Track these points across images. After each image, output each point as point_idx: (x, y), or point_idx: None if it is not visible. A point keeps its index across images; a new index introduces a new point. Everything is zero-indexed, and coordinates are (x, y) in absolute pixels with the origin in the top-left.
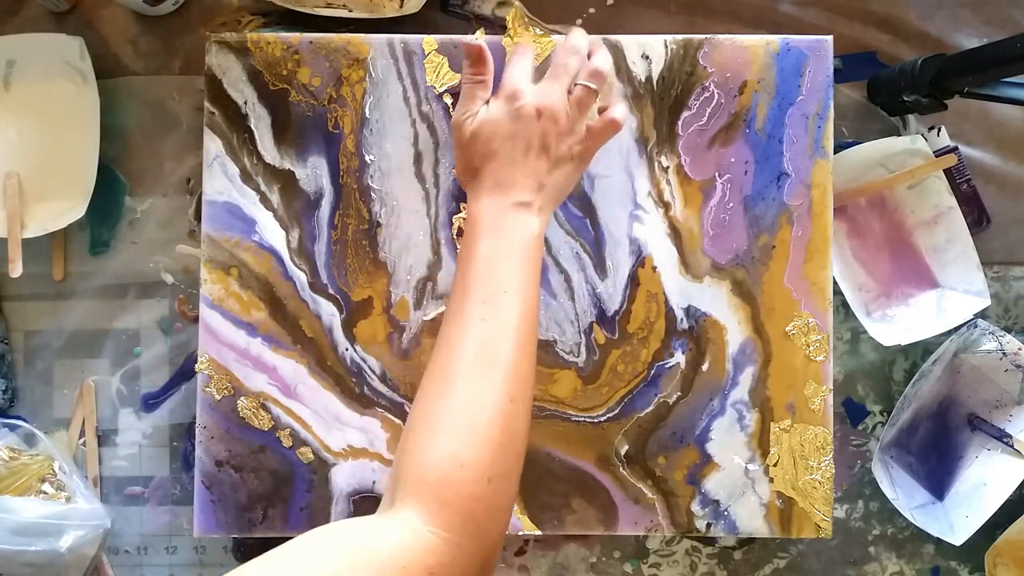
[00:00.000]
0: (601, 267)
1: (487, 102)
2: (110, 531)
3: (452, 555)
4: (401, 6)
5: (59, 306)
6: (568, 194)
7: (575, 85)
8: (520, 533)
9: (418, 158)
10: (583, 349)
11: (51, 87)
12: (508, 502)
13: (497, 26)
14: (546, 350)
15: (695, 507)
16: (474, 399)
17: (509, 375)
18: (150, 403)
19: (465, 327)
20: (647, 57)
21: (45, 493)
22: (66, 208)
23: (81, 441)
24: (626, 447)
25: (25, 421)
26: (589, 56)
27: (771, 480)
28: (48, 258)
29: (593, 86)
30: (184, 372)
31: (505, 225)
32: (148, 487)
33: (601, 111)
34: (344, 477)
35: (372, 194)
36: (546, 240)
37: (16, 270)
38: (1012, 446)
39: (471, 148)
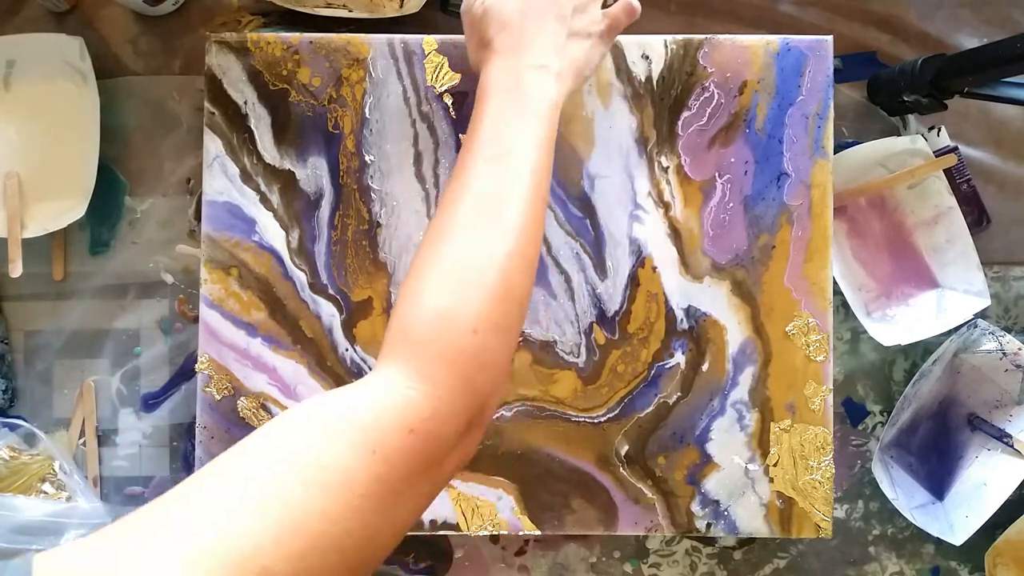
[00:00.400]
0: (601, 267)
1: None
2: None
3: (433, 409)
4: (401, 6)
5: (59, 306)
6: (588, 76)
7: None
8: (520, 533)
9: (418, 158)
10: (583, 350)
11: (51, 87)
12: (500, 356)
13: None
14: (546, 351)
15: (695, 507)
16: (466, 251)
17: (508, 231)
18: (150, 403)
19: (466, 183)
20: (647, 57)
21: (45, 493)
22: (66, 208)
23: (81, 441)
24: (626, 447)
25: (25, 421)
26: None
27: (771, 480)
28: (48, 258)
29: None
30: (184, 372)
31: (519, 85)
32: (148, 487)
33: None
34: None
35: (372, 194)
36: (546, 240)
37: (16, 270)
38: (1012, 446)
39: (481, 25)
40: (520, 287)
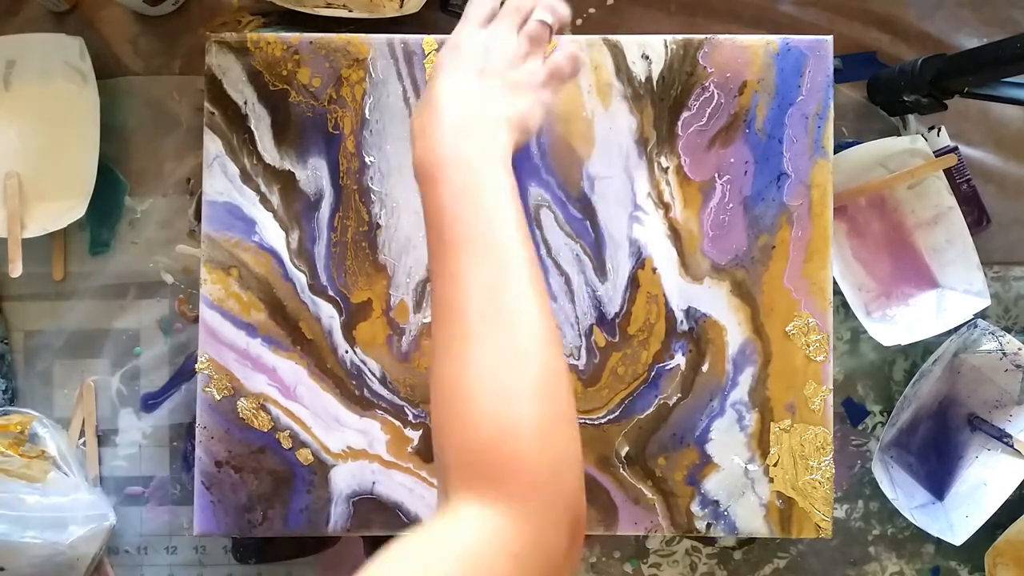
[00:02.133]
0: (601, 269)
1: None
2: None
3: (532, 529)
4: (401, 6)
5: (59, 306)
6: (534, 131)
7: (531, 22)
8: None
9: None
10: (583, 352)
11: (51, 87)
12: (570, 451)
13: None
14: None
15: (695, 507)
16: (492, 354)
17: (527, 312)
18: (150, 403)
19: (458, 283)
20: (647, 57)
21: (49, 489)
22: (66, 208)
23: (81, 441)
24: (626, 448)
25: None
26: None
27: (771, 480)
28: (48, 258)
29: (548, 20)
30: (184, 372)
31: (463, 155)
32: (148, 487)
33: None
34: (343, 478)
35: (372, 195)
36: (546, 242)
37: (16, 270)
38: (1012, 446)
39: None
40: (558, 365)
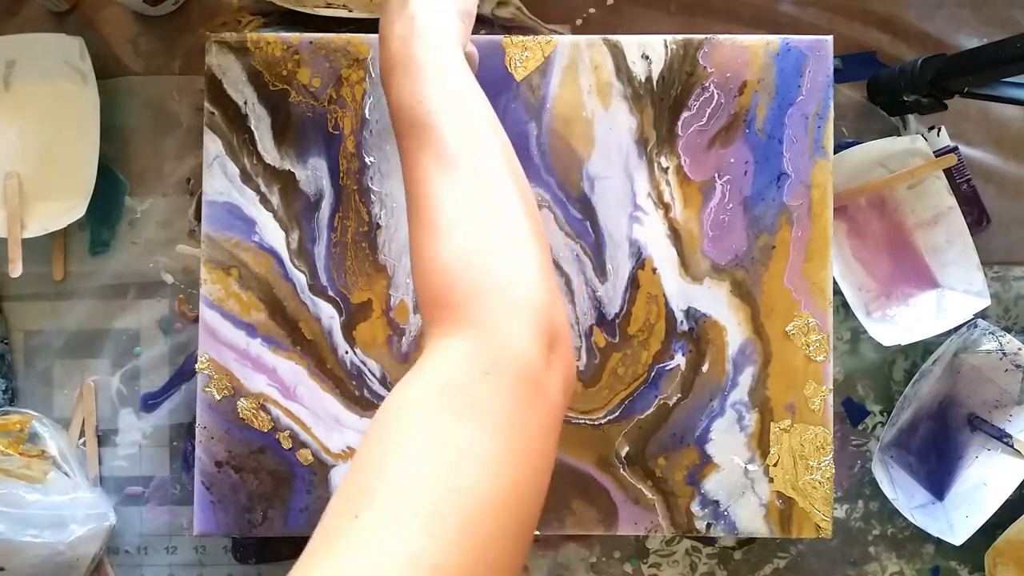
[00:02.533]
0: (601, 270)
1: None
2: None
3: (497, 343)
4: None
5: (59, 306)
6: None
7: None
8: None
9: None
10: (583, 352)
11: (51, 87)
12: (532, 269)
13: (497, 26)
14: None
15: (695, 507)
16: (451, 196)
17: (484, 171)
18: (150, 403)
19: (429, 136)
20: (647, 57)
21: (49, 488)
22: (66, 208)
23: (81, 441)
24: (626, 449)
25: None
26: None
27: (771, 480)
28: (48, 258)
29: None
30: (184, 372)
31: (408, 50)
32: (148, 487)
33: None
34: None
35: (372, 196)
36: None
37: (16, 270)
38: (1012, 446)
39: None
40: (526, 210)
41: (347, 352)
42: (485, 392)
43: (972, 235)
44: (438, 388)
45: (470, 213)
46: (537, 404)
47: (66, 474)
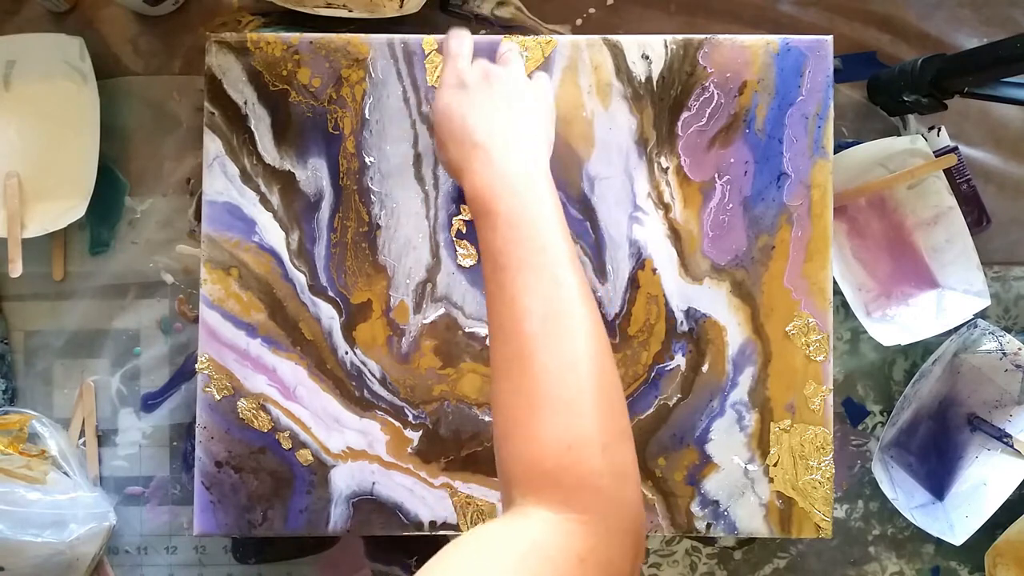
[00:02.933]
0: (601, 270)
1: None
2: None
3: (598, 535)
4: (401, 6)
5: (59, 306)
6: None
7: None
8: None
9: (418, 160)
10: None
11: (51, 87)
12: (630, 463)
13: (497, 26)
14: None
15: (695, 508)
16: (558, 366)
17: (583, 325)
18: (150, 403)
19: (516, 305)
20: (647, 57)
21: (50, 488)
22: (66, 208)
23: (81, 441)
24: None
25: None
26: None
27: (771, 480)
28: (48, 258)
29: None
30: (184, 372)
31: (500, 190)
32: (148, 487)
33: None
34: (343, 479)
35: (372, 196)
36: None
37: (16, 270)
38: (1012, 446)
39: (438, 137)
40: (614, 378)
41: (347, 353)
42: (573, 573)
43: (972, 235)
44: (530, 546)
45: (588, 390)
46: None
47: (66, 474)
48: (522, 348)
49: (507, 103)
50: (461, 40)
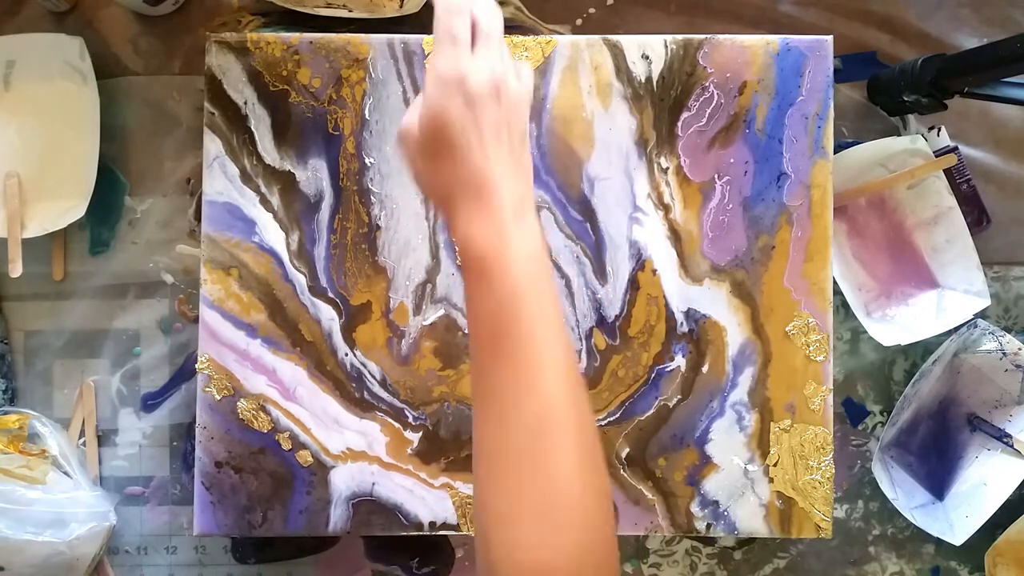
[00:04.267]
0: (601, 272)
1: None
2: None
3: None
4: (401, 6)
5: (59, 306)
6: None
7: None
8: None
9: None
10: (584, 355)
11: (51, 87)
12: (605, 569)
13: None
14: None
15: (695, 508)
16: (533, 488)
17: (569, 434)
18: (150, 403)
19: (496, 394)
20: (647, 57)
21: (50, 488)
22: (66, 208)
23: (81, 441)
24: (627, 450)
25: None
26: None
27: (771, 480)
28: (48, 258)
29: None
30: (184, 372)
31: (510, 237)
32: (148, 487)
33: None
34: (343, 480)
35: (372, 197)
36: (546, 244)
37: (16, 270)
38: (1012, 446)
39: (422, 152)
40: (599, 486)
41: (347, 354)
42: None
43: (972, 235)
44: None
45: (572, 488)
46: None
47: (66, 474)
48: (500, 447)
49: (510, 130)
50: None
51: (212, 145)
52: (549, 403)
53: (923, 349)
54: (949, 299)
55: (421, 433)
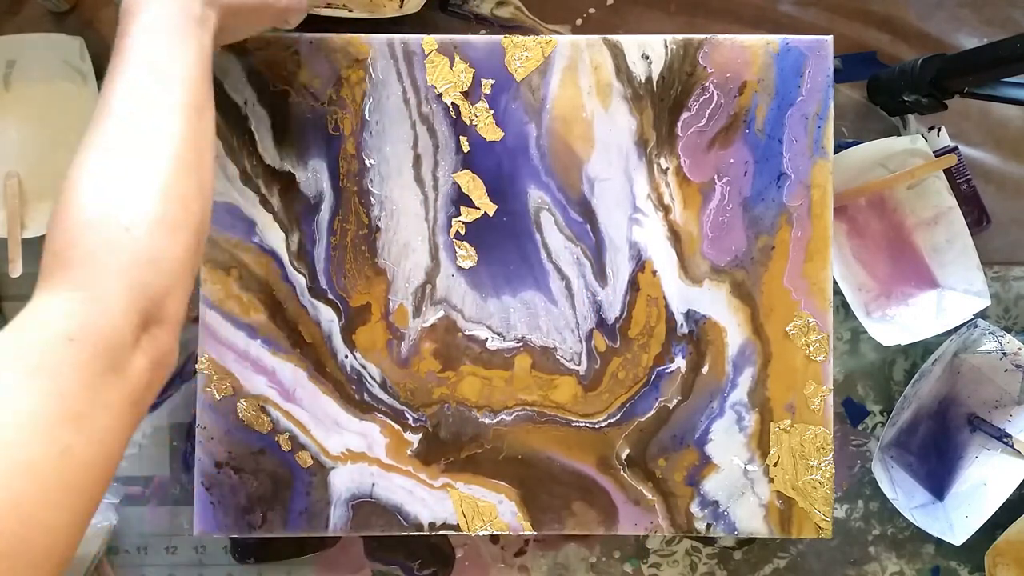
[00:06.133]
0: (601, 274)
1: None
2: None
3: (89, 312)
4: (401, 6)
5: None
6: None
7: None
8: (521, 533)
9: (417, 161)
10: (584, 358)
11: (51, 87)
12: (166, 252)
13: (497, 26)
14: (546, 356)
15: (694, 508)
16: (105, 147)
17: (153, 129)
18: None
19: (113, 87)
20: (647, 57)
21: None
22: None
23: None
24: (627, 451)
25: None
26: None
27: (771, 480)
28: None
29: None
30: (184, 372)
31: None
32: (148, 487)
33: None
34: (343, 481)
35: (372, 198)
36: (546, 245)
37: (16, 270)
38: (1012, 446)
39: None
40: (183, 187)
41: (347, 356)
42: (59, 357)
43: (972, 235)
44: (13, 334)
45: (118, 172)
46: (112, 379)
47: None
48: (94, 136)
49: None
50: None
51: None
52: (158, 90)
53: (923, 349)
54: (949, 299)
55: (421, 435)
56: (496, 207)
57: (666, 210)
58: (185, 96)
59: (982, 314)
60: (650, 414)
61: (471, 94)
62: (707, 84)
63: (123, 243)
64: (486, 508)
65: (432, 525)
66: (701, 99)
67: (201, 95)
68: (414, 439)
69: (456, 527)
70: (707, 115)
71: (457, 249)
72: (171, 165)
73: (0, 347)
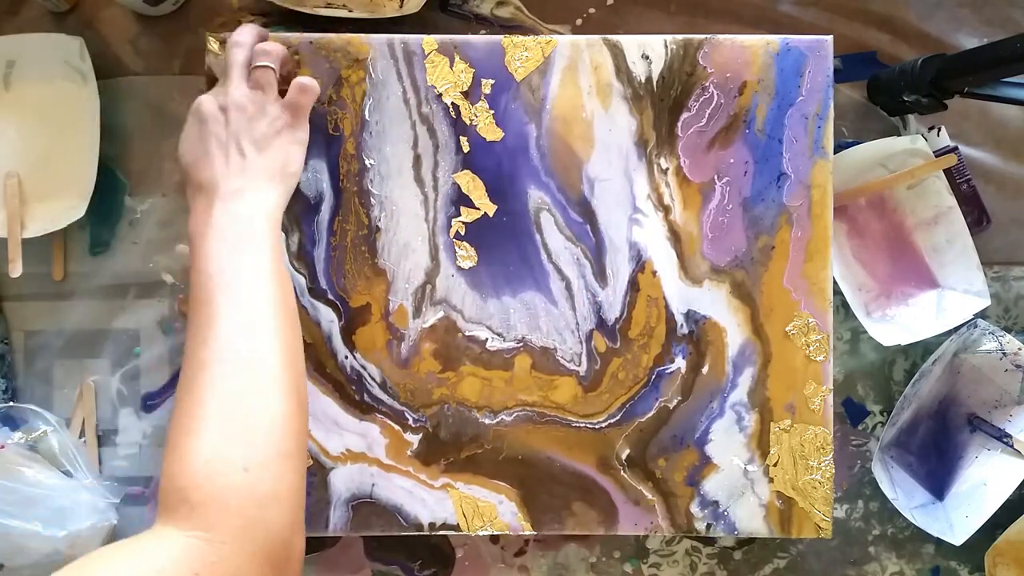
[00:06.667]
0: (601, 274)
1: None
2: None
3: (219, 554)
4: (401, 6)
5: (59, 306)
6: (297, 171)
7: (253, 70)
8: (521, 533)
9: (417, 161)
10: (584, 358)
11: (51, 87)
12: (281, 489)
13: (497, 26)
14: (547, 357)
15: (694, 508)
16: (217, 394)
17: (257, 366)
18: (150, 403)
19: (202, 332)
20: (647, 57)
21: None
22: (66, 208)
23: (81, 441)
24: (627, 451)
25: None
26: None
27: (771, 480)
28: (48, 258)
29: (267, 64)
30: None
31: (215, 222)
32: (148, 487)
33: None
34: (343, 481)
35: (372, 199)
36: (546, 246)
37: (16, 270)
38: (1012, 446)
39: (182, 170)
40: (290, 418)
41: (347, 357)
42: None
43: (972, 235)
44: (145, 562)
45: (232, 414)
46: None
47: (68, 473)
48: (193, 372)
49: (238, 141)
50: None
51: None
52: (244, 341)
53: (923, 349)
54: (949, 299)
55: (421, 435)
56: (496, 207)
57: (666, 210)
58: (272, 318)
59: (982, 314)
60: (650, 414)
61: (471, 94)
62: (707, 84)
63: (242, 484)
64: (486, 508)
65: (432, 525)
66: (701, 99)
67: (283, 304)
68: (414, 439)
69: (456, 527)
70: (707, 115)
71: (457, 249)
72: (278, 401)
73: (127, 564)
